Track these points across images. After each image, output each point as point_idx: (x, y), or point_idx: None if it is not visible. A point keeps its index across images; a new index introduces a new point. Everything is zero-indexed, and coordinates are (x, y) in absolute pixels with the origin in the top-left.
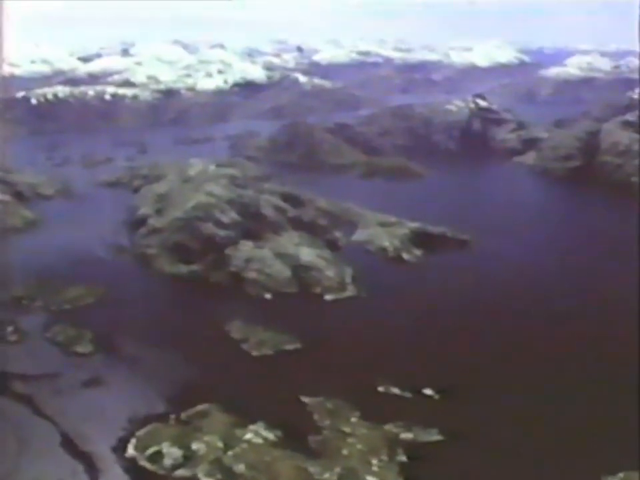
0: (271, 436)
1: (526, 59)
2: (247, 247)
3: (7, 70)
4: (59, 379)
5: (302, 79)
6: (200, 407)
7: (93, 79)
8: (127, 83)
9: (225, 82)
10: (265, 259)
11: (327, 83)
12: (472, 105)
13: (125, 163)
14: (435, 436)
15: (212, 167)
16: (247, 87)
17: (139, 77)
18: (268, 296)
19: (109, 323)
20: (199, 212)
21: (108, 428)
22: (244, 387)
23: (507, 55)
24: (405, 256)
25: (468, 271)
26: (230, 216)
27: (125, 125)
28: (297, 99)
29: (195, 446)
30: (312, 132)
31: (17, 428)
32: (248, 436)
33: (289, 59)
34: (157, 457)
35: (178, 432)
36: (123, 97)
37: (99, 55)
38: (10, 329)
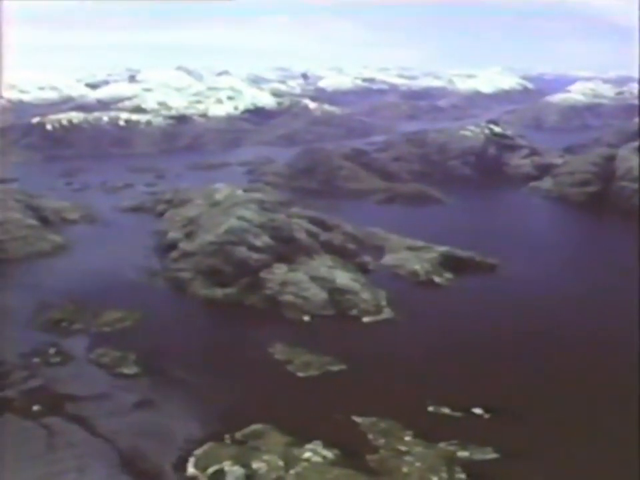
0: (329, 455)
1: (529, 85)
2: (281, 270)
3: (15, 96)
4: (109, 400)
5: (311, 105)
6: (254, 427)
7: (103, 105)
8: (139, 109)
9: (236, 108)
10: (300, 282)
11: (336, 110)
12: (486, 131)
13: (145, 188)
14: (490, 454)
15: (239, 191)
16: (257, 113)
17: (150, 103)
18: (306, 318)
19: (150, 346)
20: (231, 236)
21: (164, 448)
22: (294, 408)
23: (509, 82)
24: (436, 279)
25: (500, 293)
26: (263, 239)
27: (140, 151)
28: (308, 126)
29: (255, 465)
30: (330, 158)
31: (75, 447)
32: (307, 455)
33: (295, 86)
34: (218, 475)
35: (236, 451)
36: (137, 122)
37: (106, 82)
38: (52, 350)
